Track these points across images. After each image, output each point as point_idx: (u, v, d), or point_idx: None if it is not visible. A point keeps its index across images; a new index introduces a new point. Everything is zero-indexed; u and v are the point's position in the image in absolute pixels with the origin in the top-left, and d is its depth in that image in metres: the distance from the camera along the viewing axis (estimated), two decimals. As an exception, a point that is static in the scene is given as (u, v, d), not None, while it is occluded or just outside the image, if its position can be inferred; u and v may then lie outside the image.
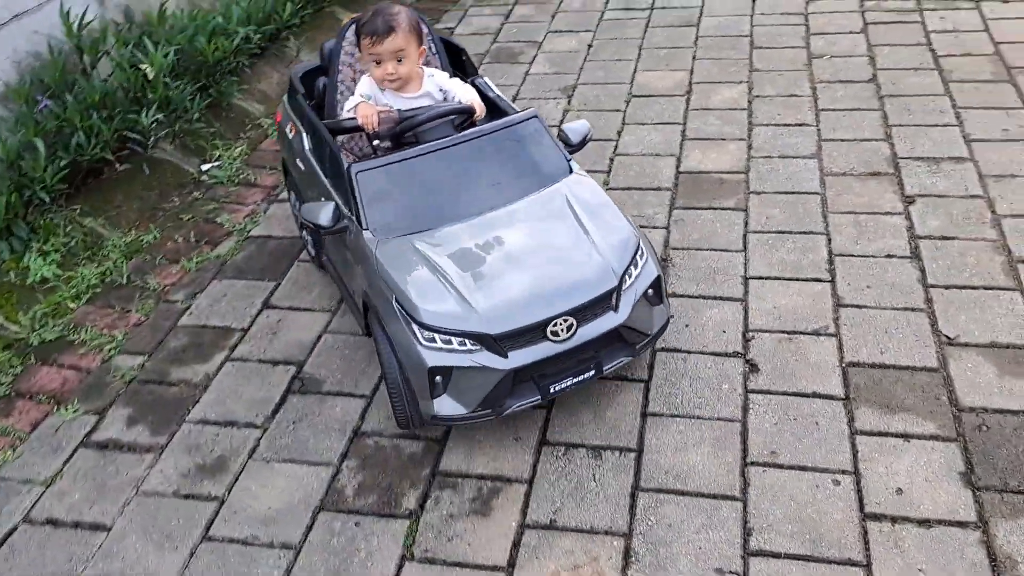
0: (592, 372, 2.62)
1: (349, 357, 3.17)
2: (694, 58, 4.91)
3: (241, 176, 4.34)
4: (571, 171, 2.87)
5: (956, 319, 3.01)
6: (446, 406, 2.52)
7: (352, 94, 3.06)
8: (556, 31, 5.44)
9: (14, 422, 3.03)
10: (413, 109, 2.90)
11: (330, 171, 2.95)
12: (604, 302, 2.55)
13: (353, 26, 3.07)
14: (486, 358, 2.46)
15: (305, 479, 2.70)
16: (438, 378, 2.48)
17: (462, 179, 2.76)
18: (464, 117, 2.91)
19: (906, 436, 2.62)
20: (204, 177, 4.38)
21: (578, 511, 2.53)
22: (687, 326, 3.12)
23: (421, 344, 2.47)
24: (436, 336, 2.46)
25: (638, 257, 2.66)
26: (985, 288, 3.12)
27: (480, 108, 2.95)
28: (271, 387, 3.07)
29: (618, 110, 4.50)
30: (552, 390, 2.57)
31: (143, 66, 4.13)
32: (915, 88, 4.37)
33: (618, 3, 5.68)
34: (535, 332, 2.48)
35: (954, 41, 4.73)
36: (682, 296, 3.25)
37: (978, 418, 2.66)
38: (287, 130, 3.44)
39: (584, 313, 2.52)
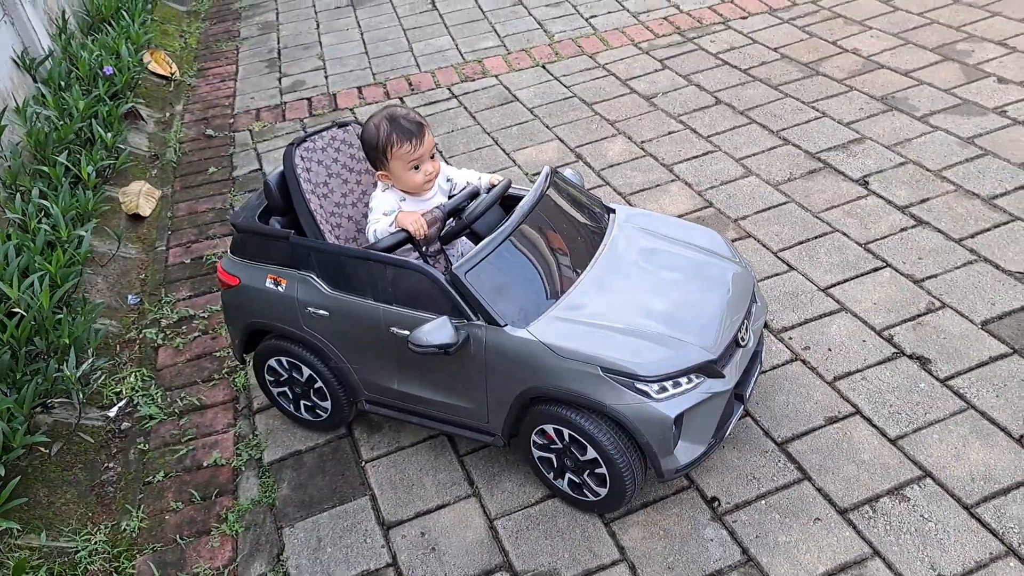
0: (759, 365, 2.75)
1: (550, 530, 2.62)
2: (548, 127, 4.91)
3: (179, 403, 3.36)
4: (609, 208, 2.94)
5: (1006, 255, 3.39)
6: (686, 452, 2.48)
7: (327, 221, 2.90)
8: (384, 142, 5.06)
9: None
10: (444, 204, 2.82)
11: (399, 295, 2.64)
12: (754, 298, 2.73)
13: (313, 145, 2.93)
14: (711, 385, 2.46)
15: None
16: (673, 427, 2.41)
17: (550, 246, 2.73)
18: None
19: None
20: (126, 424, 3.31)
21: (948, 556, 2.37)
22: (830, 350, 3.10)
23: (655, 399, 2.39)
24: (665, 384, 2.40)
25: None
26: (996, 227, 3.56)
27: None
28: (505, 609, 2.42)
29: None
30: (748, 395, 2.64)
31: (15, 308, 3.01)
32: (758, 99, 4.85)
33: (417, 101, 5.48)
34: (731, 345, 2.53)
35: (743, 56, 5.35)
36: (794, 328, 3.23)
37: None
38: (267, 285, 2.89)
39: (750, 312, 2.68)
